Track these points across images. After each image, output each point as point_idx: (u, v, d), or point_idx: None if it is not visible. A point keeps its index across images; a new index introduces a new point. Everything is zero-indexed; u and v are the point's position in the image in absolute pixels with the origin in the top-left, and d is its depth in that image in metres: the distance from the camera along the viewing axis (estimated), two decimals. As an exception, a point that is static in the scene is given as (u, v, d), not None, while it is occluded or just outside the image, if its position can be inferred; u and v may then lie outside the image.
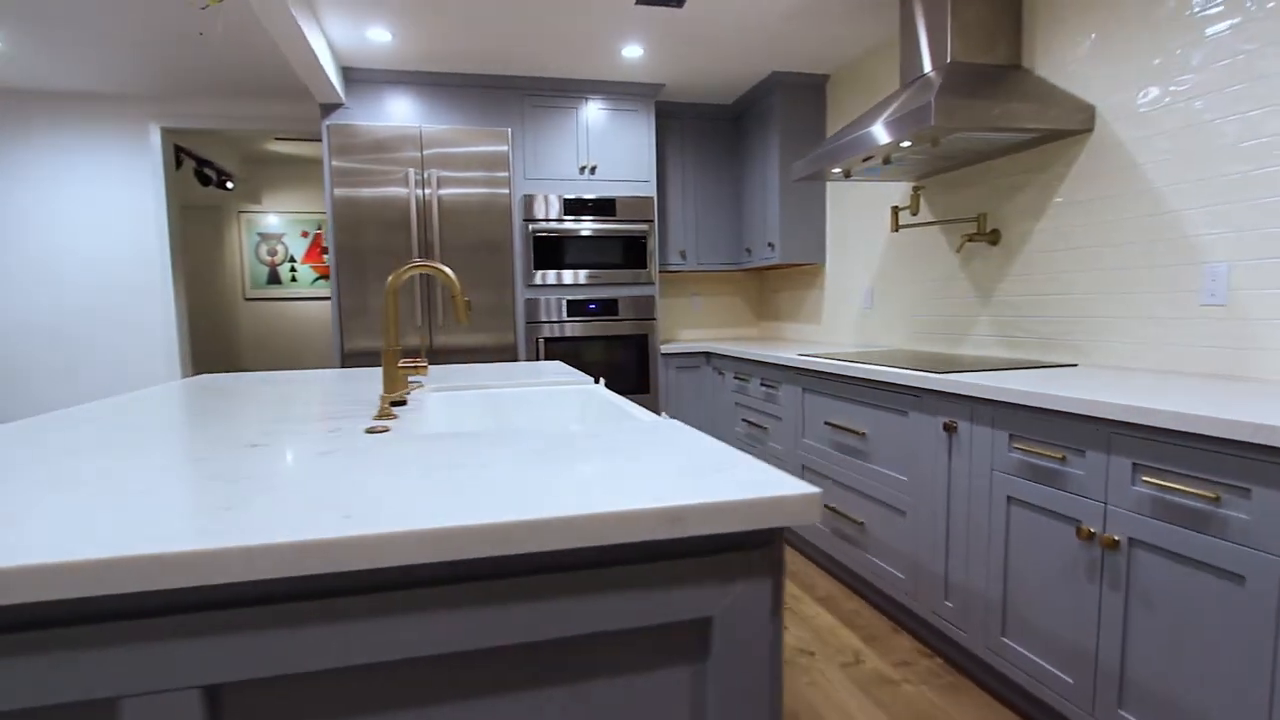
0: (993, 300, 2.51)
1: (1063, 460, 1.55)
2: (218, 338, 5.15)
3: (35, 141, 3.53)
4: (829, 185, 3.61)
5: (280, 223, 5.23)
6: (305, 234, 5.28)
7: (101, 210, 3.60)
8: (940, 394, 1.94)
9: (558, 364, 2.50)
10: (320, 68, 2.73)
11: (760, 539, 0.78)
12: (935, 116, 1.95)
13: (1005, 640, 1.74)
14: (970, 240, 2.48)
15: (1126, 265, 2.00)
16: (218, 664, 0.64)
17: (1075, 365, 2.11)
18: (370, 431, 1.18)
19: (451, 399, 1.84)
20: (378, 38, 2.87)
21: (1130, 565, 1.40)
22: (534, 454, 0.95)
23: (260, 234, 5.18)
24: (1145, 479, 1.36)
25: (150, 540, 0.62)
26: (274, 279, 5.23)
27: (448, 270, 1.51)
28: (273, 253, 5.20)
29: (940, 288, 2.78)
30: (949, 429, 1.90)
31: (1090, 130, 2.10)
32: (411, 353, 3.35)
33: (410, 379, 1.93)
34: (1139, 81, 1.94)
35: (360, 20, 2.71)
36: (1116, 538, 1.42)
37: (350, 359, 3.29)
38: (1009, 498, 1.72)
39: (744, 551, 0.76)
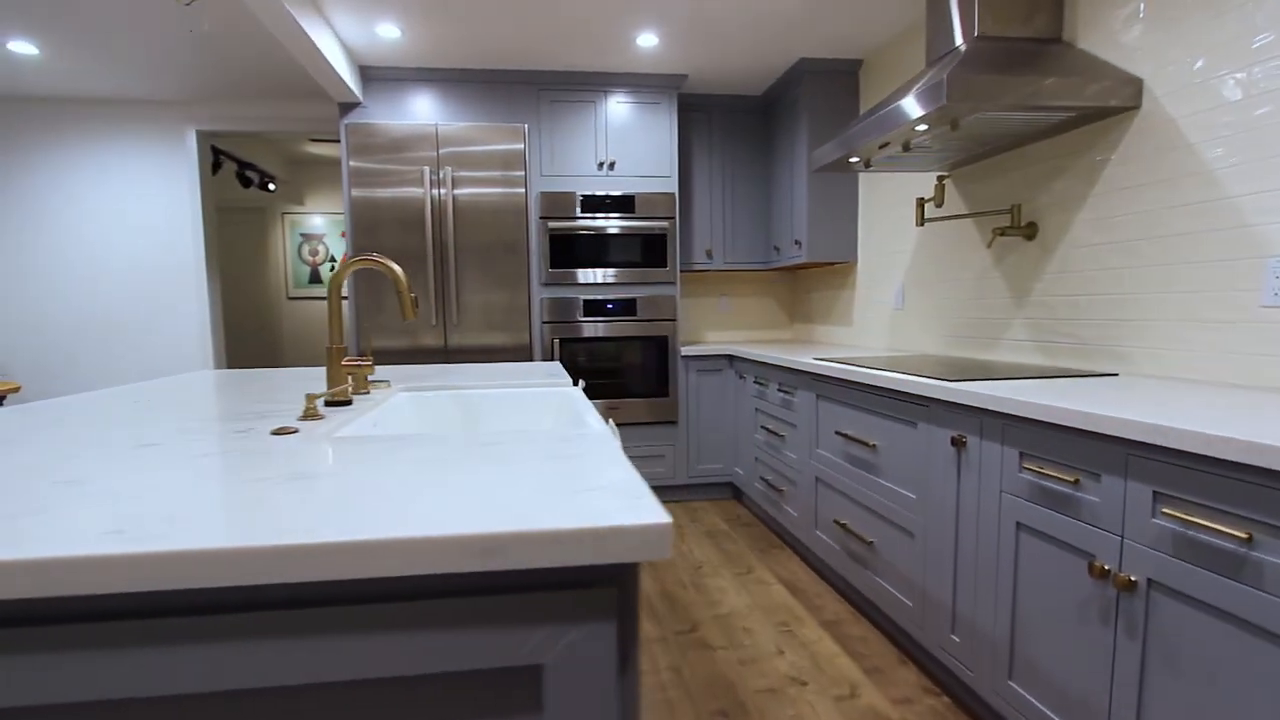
0: (1029, 300, 2.26)
1: (1076, 484, 1.34)
2: (261, 335, 5.34)
3: (74, 146, 3.71)
4: (861, 179, 3.39)
5: (323, 223, 5.38)
6: (344, 234, 5.41)
7: (139, 212, 3.76)
8: (949, 404, 1.74)
9: (550, 365, 2.41)
10: (329, 65, 2.74)
11: (605, 576, 0.66)
12: (948, 95, 1.75)
13: (1012, 684, 1.53)
14: (1002, 234, 2.24)
15: (1176, 260, 1.75)
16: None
17: (1116, 375, 1.86)
18: (277, 433, 1.12)
19: (416, 399, 1.78)
20: (387, 34, 2.86)
21: (1149, 611, 1.19)
22: (426, 463, 0.86)
23: (303, 234, 5.34)
24: (1166, 511, 1.14)
25: None
26: (315, 278, 5.38)
27: (393, 265, 1.44)
28: (314, 253, 5.35)
29: (973, 287, 2.54)
30: (957, 444, 1.70)
31: (1137, 107, 1.85)
32: (427, 352, 3.34)
33: (370, 378, 1.88)
34: (1194, 47, 1.69)
35: (368, 17, 2.71)
36: (1133, 578, 1.21)
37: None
38: (1018, 524, 1.51)
39: (581, 590, 0.64)
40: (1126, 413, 1.21)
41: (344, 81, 2.95)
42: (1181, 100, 1.72)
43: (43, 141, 3.68)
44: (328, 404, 1.45)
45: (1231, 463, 1.03)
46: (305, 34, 2.41)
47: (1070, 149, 2.07)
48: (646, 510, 0.65)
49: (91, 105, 3.69)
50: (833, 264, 3.59)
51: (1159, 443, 1.13)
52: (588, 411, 1.43)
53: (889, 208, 3.12)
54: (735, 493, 3.75)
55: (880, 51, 3.19)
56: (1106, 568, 1.26)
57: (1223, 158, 1.62)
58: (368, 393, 1.63)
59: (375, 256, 1.44)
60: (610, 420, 1.31)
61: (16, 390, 3.36)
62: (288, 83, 3.57)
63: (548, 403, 1.88)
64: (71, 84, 3.46)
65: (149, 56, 3.14)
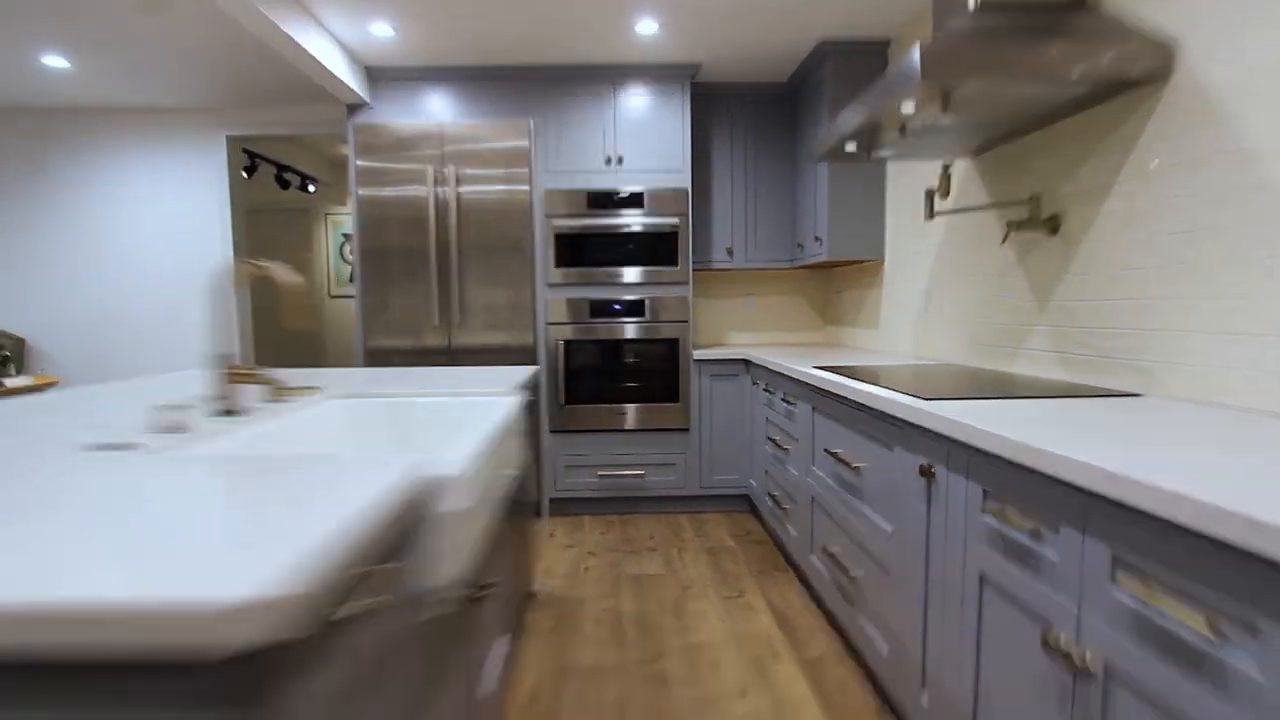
0: (1051, 305, 1.96)
1: (1035, 534, 1.10)
2: (304, 334, 5.54)
3: (107, 155, 3.91)
4: (890, 169, 3.10)
5: (365, 224, 5.51)
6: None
7: (170, 216, 3.93)
8: (918, 428, 1.51)
9: (517, 371, 2.31)
10: (322, 67, 2.74)
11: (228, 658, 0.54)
12: (923, 69, 1.52)
13: (971, 765, 1.30)
14: (1018, 229, 1.95)
15: (1209, 260, 1.44)
16: None
17: (1138, 395, 1.57)
18: (111, 448, 1.06)
19: (344, 408, 1.71)
20: (381, 33, 2.83)
21: (1107, 702, 0.95)
22: (177, 492, 0.78)
23: (344, 234, 5.50)
24: (1123, 581, 0.91)
25: None
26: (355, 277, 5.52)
27: (279, 272, 1.37)
28: (354, 252, 5.48)
29: (994, 288, 2.24)
30: (925, 474, 1.47)
31: (1166, 76, 1.54)
32: (430, 352, 3.32)
33: (296, 385, 1.82)
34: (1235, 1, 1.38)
35: (359, 17, 2.69)
36: (1089, 656, 0.97)
37: (371, 357, 3.33)
38: (981, 575, 1.28)
39: (179, 675, 0.52)
40: (1078, 453, 0.97)
41: (344, 82, 2.95)
42: (1219, 64, 1.41)
43: (76, 151, 3.91)
44: (225, 413, 1.39)
45: (1192, 531, 0.79)
46: (289, 36, 2.41)
47: (1097, 128, 1.76)
48: (267, 579, 0.52)
49: (123, 115, 3.90)
50: (860, 262, 3.31)
51: (1112, 495, 0.89)
52: (482, 428, 1.31)
53: (912, 201, 2.83)
54: (751, 506, 3.54)
55: (910, 27, 2.89)
56: (1062, 640, 1.02)
57: (1265, 133, 1.31)
58: (282, 401, 1.57)
59: (258, 262, 1.37)
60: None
61: (55, 385, 3.60)
62: (314, 86, 3.63)
63: (487, 412, 1.78)
64: (103, 95, 3.66)
65: (177, 66, 3.27)
